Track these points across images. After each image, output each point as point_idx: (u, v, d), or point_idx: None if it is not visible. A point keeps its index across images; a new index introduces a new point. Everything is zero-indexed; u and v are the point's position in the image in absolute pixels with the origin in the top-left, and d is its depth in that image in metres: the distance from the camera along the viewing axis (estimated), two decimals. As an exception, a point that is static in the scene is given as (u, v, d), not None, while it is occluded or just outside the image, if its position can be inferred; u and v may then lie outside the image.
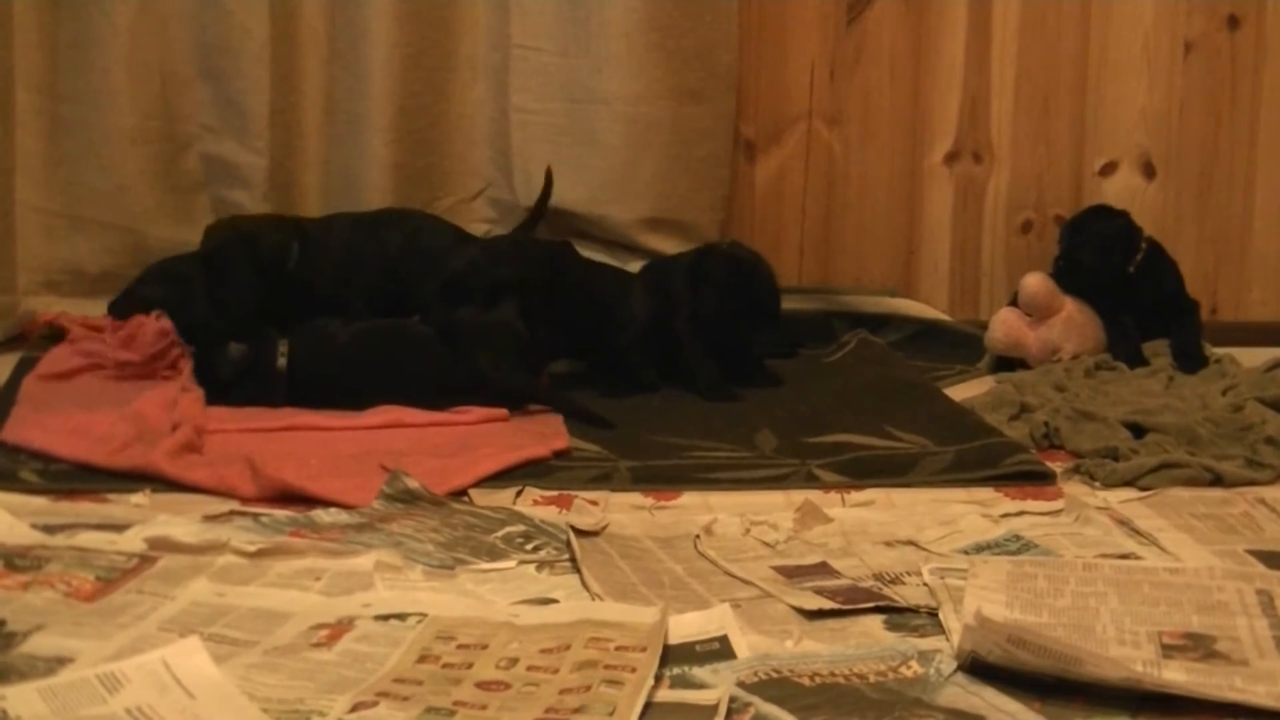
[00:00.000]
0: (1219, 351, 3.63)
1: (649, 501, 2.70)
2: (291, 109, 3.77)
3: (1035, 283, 3.66)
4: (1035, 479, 2.83)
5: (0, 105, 3.64)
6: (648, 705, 1.81)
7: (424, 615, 2.08)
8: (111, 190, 3.71)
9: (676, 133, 3.82)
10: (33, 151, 3.70)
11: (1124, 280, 3.69)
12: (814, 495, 2.71)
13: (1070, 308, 3.65)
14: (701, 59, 3.82)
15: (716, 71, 3.86)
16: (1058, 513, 2.64)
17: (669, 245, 3.83)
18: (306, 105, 3.80)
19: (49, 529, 2.42)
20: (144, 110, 3.74)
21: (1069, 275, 3.67)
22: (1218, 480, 2.81)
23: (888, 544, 2.46)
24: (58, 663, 1.91)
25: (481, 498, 2.67)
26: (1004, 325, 3.68)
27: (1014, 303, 3.70)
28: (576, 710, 1.78)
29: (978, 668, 1.92)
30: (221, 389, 3.14)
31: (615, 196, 3.81)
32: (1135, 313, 3.68)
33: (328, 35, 3.78)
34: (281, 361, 3.16)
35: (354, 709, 1.79)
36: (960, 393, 3.42)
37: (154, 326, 3.34)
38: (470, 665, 1.92)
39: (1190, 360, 3.56)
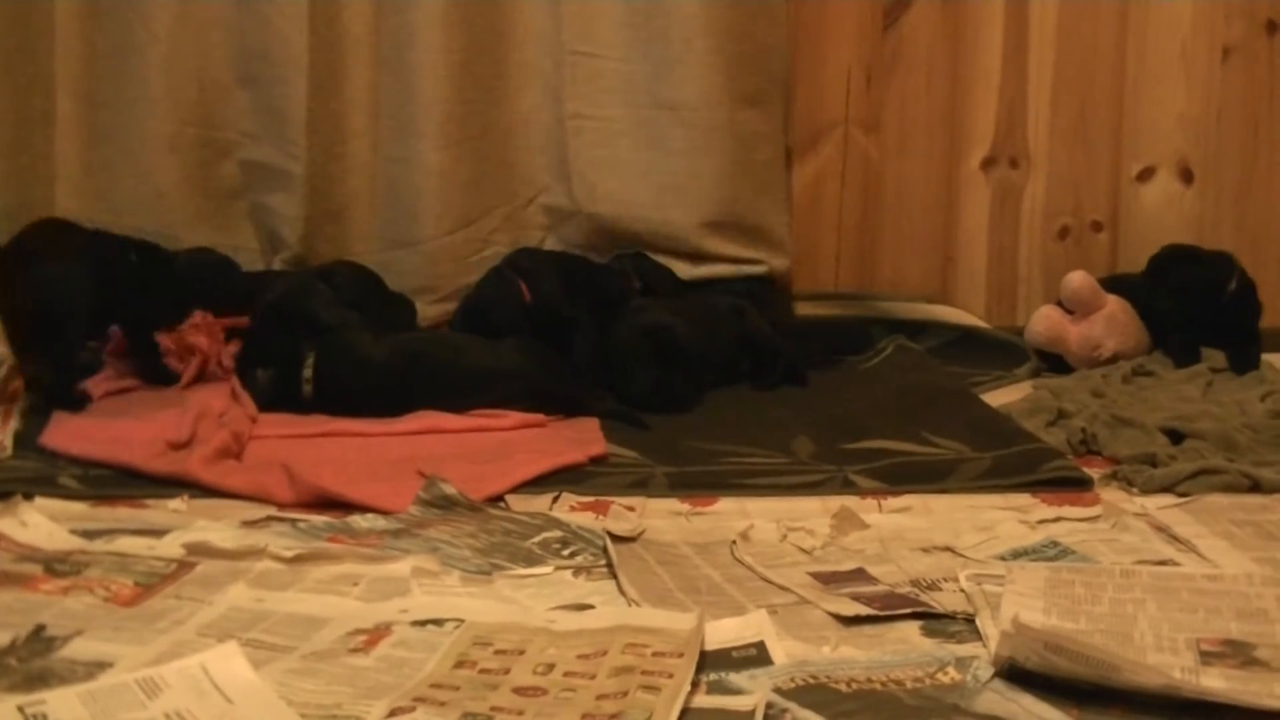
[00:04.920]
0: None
1: (686, 507, 2.70)
2: (333, 115, 3.78)
3: (1078, 279, 3.66)
4: (1073, 485, 2.82)
5: (41, 112, 3.66)
6: (684, 711, 1.81)
7: (461, 621, 2.08)
8: (150, 197, 3.72)
9: (737, 137, 3.81)
10: (72, 158, 3.72)
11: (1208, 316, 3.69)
12: (851, 501, 2.70)
13: (1113, 305, 3.65)
14: (757, 63, 3.82)
15: (773, 76, 3.85)
16: (1095, 519, 2.63)
17: (734, 249, 3.82)
18: (350, 111, 3.80)
19: (88, 534, 2.43)
20: (182, 117, 3.76)
21: (1148, 322, 3.68)
22: (1256, 487, 2.79)
23: (925, 550, 2.46)
24: (97, 667, 1.92)
25: (518, 503, 2.68)
26: (1045, 320, 3.68)
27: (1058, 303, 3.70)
28: (614, 716, 1.78)
29: (1015, 674, 1.91)
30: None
31: (677, 201, 3.80)
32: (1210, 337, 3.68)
33: (371, 41, 3.77)
34: (307, 389, 3.17)
35: (392, 714, 1.80)
36: (998, 399, 3.41)
37: (205, 324, 3.34)
38: (507, 671, 1.92)
39: (1244, 362, 3.55)
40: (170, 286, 3.37)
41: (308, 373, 3.17)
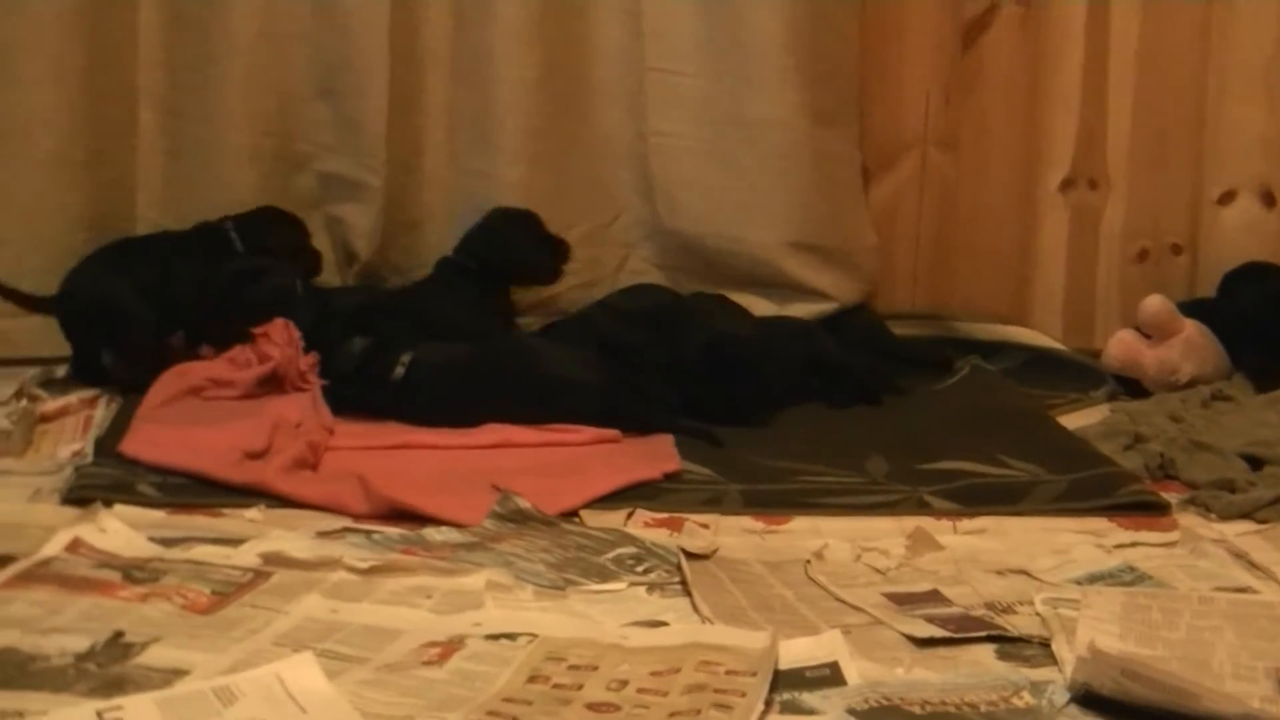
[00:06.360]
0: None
1: (759, 525, 2.70)
2: (411, 128, 3.80)
3: (1155, 303, 3.64)
4: (1150, 509, 2.80)
5: (122, 123, 3.69)
6: (757, 730, 1.81)
7: (534, 635, 2.09)
8: (228, 208, 3.73)
9: (816, 156, 3.79)
10: (153, 169, 3.75)
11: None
12: (925, 522, 2.69)
13: (1191, 330, 3.62)
14: (832, 82, 3.81)
15: (845, 95, 3.85)
16: (1172, 544, 2.61)
17: (812, 274, 3.81)
18: (427, 124, 3.82)
19: (166, 542, 2.45)
20: (261, 129, 3.78)
21: (1222, 338, 3.65)
22: (1336, 514, 2.77)
23: (999, 573, 2.45)
24: (174, 674, 1.93)
25: (592, 519, 2.68)
26: (1121, 344, 3.66)
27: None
28: (686, 733, 1.78)
29: (1090, 700, 1.90)
30: (339, 381, 3.21)
31: (756, 220, 3.79)
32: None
33: (450, 55, 3.79)
34: (399, 371, 3.19)
35: (464, 727, 1.80)
36: (1074, 421, 3.39)
37: (284, 334, 3.36)
38: (580, 686, 1.93)
39: None
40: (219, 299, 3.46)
41: (406, 357, 3.20)
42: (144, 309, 3.43)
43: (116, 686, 1.89)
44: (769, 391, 3.37)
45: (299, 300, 3.46)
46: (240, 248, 3.56)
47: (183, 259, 3.51)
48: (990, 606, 2.28)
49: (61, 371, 3.44)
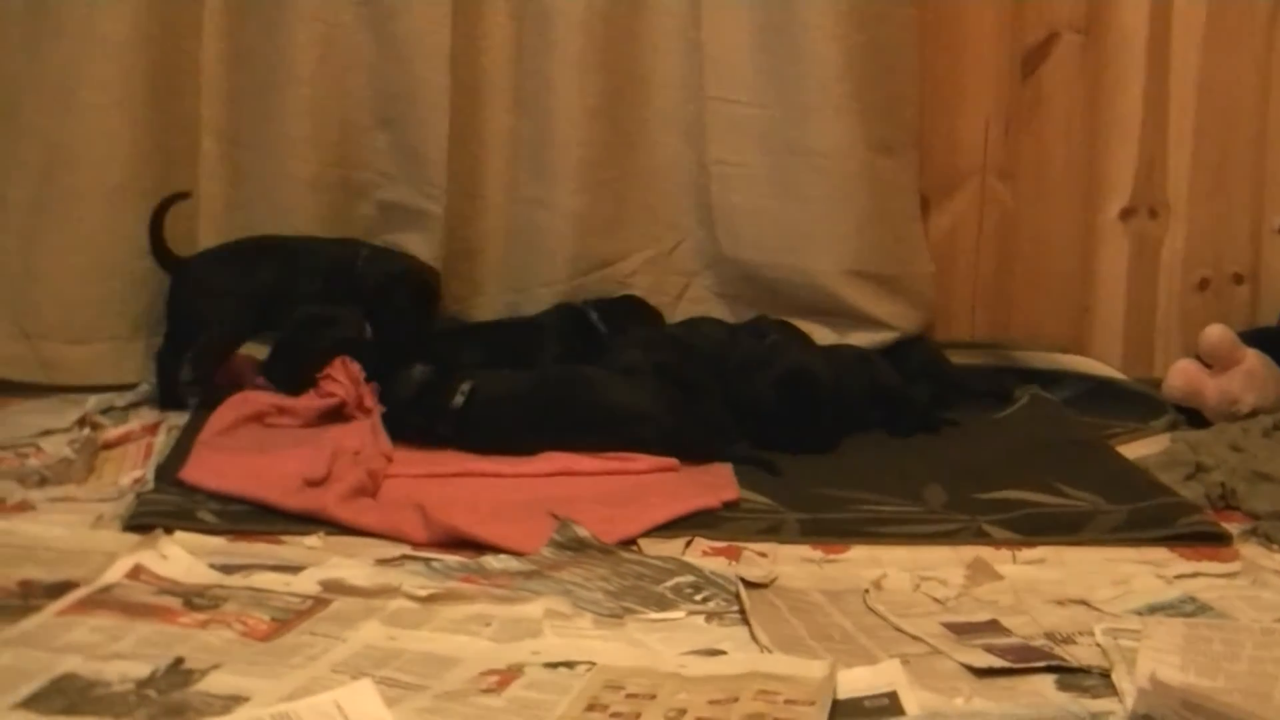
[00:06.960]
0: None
1: (818, 554, 2.70)
2: (470, 156, 3.81)
3: (1217, 333, 3.62)
4: (1210, 540, 2.78)
5: (184, 152, 3.72)
6: (816, 760, 1.81)
7: (592, 664, 2.09)
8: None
9: (875, 185, 3.79)
10: (214, 197, 3.77)
11: None
12: (984, 551, 2.69)
13: (1252, 360, 3.60)
14: (891, 111, 3.81)
15: (904, 124, 3.85)
16: (1234, 575, 2.60)
17: (871, 303, 3.81)
18: (486, 153, 3.83)
19: (226, 569, 2.46)
20: (322, 158, 3.80)
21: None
22: (1401, 545, 2.75)
23: (1059, 603, 2.44)
24: (234, 701, 1.94)
25: (651, 547, 2.68)
26: (1183, 374, 3.64)
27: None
28: (744, 763, 1.78)
29: (1152, 731, 1.89)
30: (398, 407, 3.23)
31: (816, 249, 3.79)
32: None
33: (510, 84, 3.80)
34: (458, 399, 3.21)
35: (523, 755, 1.81)
36: (1134, 451, 3.37)
37: (344, 370, 3.37)
38: (639, 715, 1.92)
39: None
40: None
41: (466, 385, 3.21)
42: (230, 319, 3.52)
43: (177, 713, 1.90)
44: (841, 421, 3.37)
45: (362, 346, 3.47)
46: (361, 270, 3.61)
47: (304, 273, 3.57)
48: (1050, 637, 2.27)
49: (122, 401, 3.47)
